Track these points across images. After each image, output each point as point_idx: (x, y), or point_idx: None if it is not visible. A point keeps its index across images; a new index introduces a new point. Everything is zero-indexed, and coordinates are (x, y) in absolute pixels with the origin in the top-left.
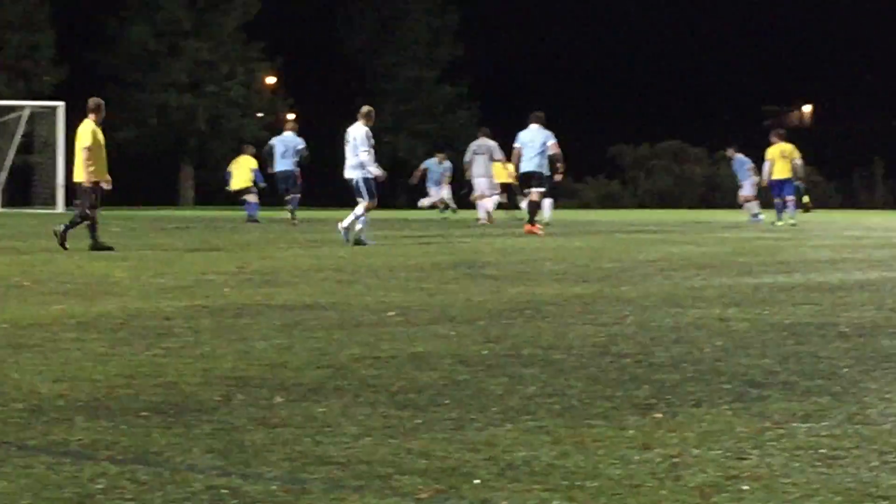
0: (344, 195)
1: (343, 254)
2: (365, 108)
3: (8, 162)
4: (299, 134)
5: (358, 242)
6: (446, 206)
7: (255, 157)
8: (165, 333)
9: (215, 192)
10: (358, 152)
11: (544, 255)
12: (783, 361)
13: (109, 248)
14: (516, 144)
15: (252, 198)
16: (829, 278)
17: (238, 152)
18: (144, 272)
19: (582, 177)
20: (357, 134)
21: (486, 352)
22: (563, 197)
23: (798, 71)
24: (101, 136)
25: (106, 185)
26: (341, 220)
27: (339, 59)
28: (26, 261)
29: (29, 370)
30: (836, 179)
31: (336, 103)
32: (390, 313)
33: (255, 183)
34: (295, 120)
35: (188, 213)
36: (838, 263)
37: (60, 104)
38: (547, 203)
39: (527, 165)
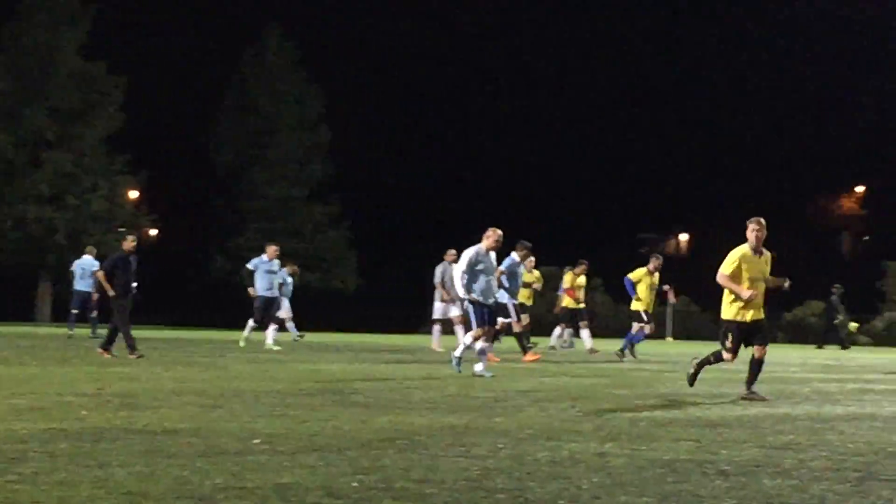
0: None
1: (206, 376)
2: None
3: None
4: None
5: None
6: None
7: None
8: (20, 458)
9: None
10: None
11: (414, 382)
12: (663, 500)
13: None
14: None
15: None
16: (708, 413)
17: None
18: None
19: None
20: None
21: (355, 484)
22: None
23: (675, 199)
24: None
25: None
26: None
27: (205, 175)
28: None
29: None
30: (713, 310)
31: (201, 220)
32: (256, 441)
33: None
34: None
35: (44, 330)
36: (717, 397)
37: None
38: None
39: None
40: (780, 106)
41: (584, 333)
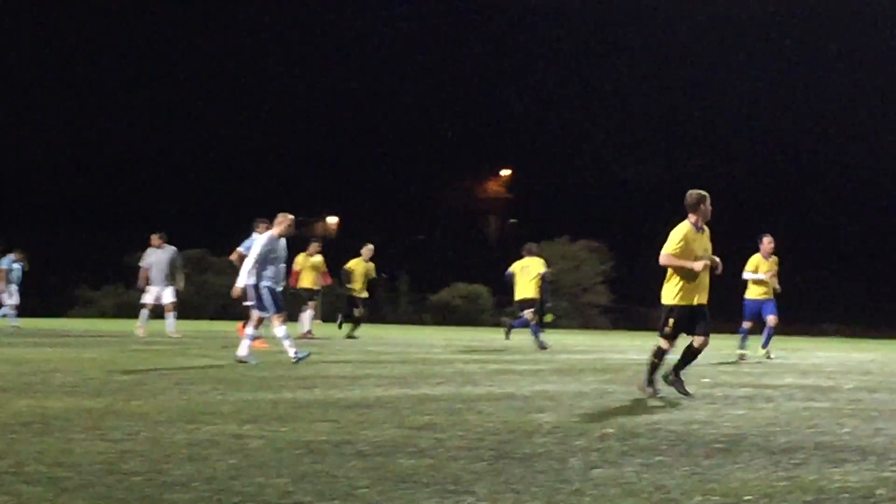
0: None
1: None
2: None
3: None
4: None
5: None
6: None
7: None
8: None
9: None
10: None
11: (55, 366)
12: (298, 480)
13: None
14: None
15: None
16: (349, 394)
17: None
18: None
19: (99, 285)
20: None
21: None
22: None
23: (324, 182)
24: None
25: None
26: None
27: None
28: None
29: None
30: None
31: None
32: None
33: None
34: None
35: None
36: (359, 379)
37: None
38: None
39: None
40: (431, 90)
41: (305, 315)
